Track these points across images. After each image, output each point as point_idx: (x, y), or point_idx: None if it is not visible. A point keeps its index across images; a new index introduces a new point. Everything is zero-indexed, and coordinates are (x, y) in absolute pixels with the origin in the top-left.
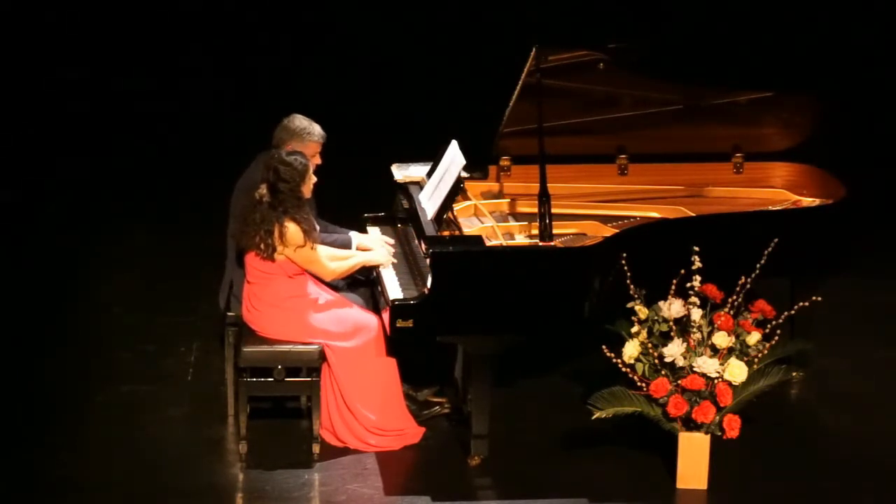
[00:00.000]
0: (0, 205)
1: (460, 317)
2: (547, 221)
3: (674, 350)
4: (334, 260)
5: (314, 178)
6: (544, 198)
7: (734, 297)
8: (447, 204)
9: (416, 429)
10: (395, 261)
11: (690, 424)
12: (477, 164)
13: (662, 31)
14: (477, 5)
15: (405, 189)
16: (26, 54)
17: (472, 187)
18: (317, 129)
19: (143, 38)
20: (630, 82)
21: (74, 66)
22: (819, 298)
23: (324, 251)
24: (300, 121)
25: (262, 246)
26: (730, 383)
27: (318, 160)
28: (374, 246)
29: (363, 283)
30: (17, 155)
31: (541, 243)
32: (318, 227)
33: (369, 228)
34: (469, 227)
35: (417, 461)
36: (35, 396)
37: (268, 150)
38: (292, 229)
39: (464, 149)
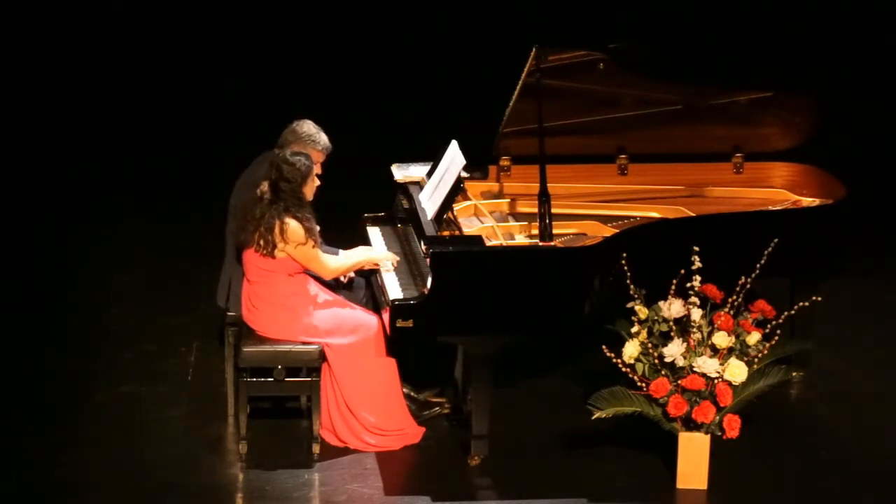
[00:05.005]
0: (0, 204)
1: (460, 317)
2: (547, 221)
3: (674, 350)
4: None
5: (318, 182)
6: (544, 198)
7: (734, 297)
8: (447, 204)
9: (416, 429)
10: (397, 258)
11: (690, 424)
12: (477, 164)
13: (662, 31)
14: (477, 5)
15: (405, 189)
16: (27, 53)
17: (472, 187)
18: (323, 139)
19: (144, 36)
20: (630, 82)
21: (75, 64)
22: (819, 298)
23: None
24: (308, 127)
25: (261, 242)
26: (730, 383)
27: (318, 169)
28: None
29: (362, 283)
30: (16, 154)
31: (541, 243)
32: (318, 228)
33: (369, 229)
34: (469, 227)
35: (417, 461)
36: (35, 396)
37: (270, 150)
38: (293, 226)
39: (464, 149)
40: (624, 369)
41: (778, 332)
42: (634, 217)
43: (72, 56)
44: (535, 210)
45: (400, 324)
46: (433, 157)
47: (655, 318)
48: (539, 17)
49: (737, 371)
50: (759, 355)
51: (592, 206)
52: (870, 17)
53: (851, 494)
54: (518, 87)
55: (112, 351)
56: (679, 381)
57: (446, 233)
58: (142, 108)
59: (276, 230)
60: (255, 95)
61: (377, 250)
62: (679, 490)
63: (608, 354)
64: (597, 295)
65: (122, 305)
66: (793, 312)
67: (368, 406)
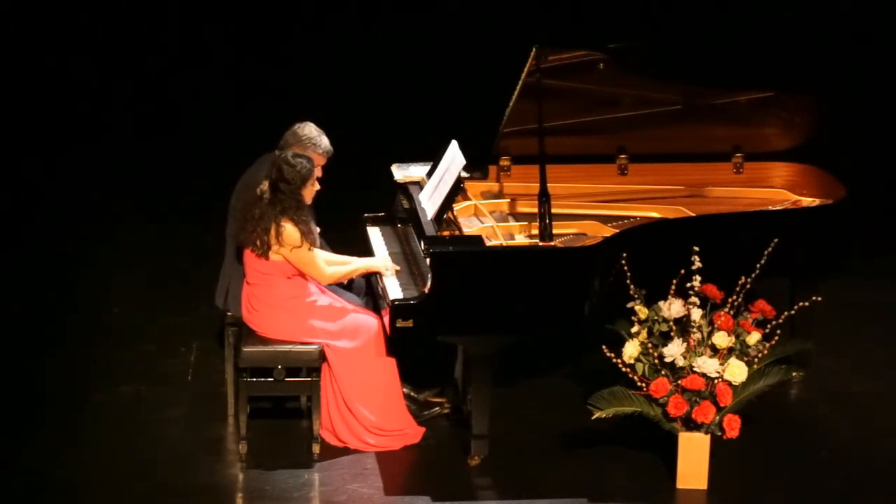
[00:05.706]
0: (0, 204)
1: (460, 317)
2: (547, 221)
3: (674, 350)
4: (332, 265)
5: (317, 186)
6: (544, 198)
7: (734, 297)
8: (447, 204)
9: (416, 429)
10: (398, 267)
11: (690, 424)
12: (477, 164)
13: (662, 31)
14: (477, 5)
15: (405, 189)
16: (26, 51)
17: (472, 187)
18: (324, 142)
19: (144, 37)
20: (630, 82)
21: (75, 63)
22: (819, 298)
23: (322, 255)
24: (310, 129)
25: (258, 243)
26: (730, 383)
27: (319, 172)
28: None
29: (363, 284)
30: (16, 154)
31: (541, 243)
32: (316, 231)
33: (369, 229)
34: (469, 227)
35: (417, 461)
36: (35, 396)
37: (271, 152)
38: (289, 229)
39: (464, 149)
40: (624, 369)
41: (778, 332)
42: (634, 217)
43: (72, 55)
44: (535, 210)
45: (400, 324)
46: (433, 157)
47: (655, 318)
48: (539, 17)
49: (737, 371)
50: (759, 355)
51: (592, 206)
52: (870, 17)
53: (851, 494)
54: (518, 87)
55: (112, 351)
56: (679, 381)
57: (446, 233)
58: (142, 107)
59: (273, 232)
60: (256, 95)
61: (377, 259)
62: (679, 490)
63: (608, 354)
64: (597, 295)
65: (122, 305)
66: (793, 312)
67: (368, 406)
